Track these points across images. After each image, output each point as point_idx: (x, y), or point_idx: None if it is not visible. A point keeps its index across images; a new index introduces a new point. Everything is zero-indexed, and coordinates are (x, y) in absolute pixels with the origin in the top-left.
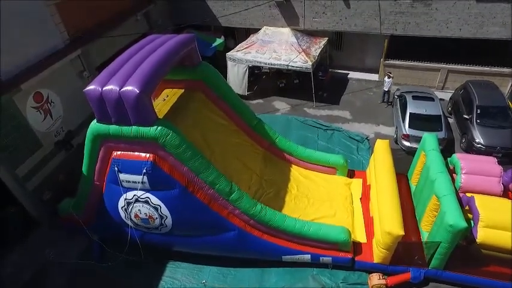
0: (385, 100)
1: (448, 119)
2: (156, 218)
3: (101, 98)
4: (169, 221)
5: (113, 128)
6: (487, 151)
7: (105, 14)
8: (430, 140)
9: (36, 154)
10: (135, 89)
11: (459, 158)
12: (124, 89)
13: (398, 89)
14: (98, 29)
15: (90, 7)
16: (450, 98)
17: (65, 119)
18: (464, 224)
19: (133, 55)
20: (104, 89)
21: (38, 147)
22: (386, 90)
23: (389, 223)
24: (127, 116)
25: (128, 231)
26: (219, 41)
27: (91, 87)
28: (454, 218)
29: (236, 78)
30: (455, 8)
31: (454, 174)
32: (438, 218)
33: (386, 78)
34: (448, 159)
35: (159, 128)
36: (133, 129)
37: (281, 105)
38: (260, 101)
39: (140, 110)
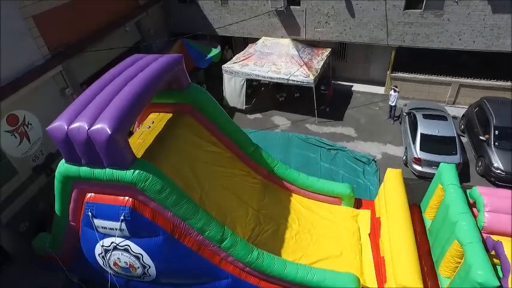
0: (391, 116)
1: (461, 137)
2: (138, 267)
3: (67, 138)
4: (152, 270)
5: (84, 170)
6: (507, 178)
7: (90, 26)
8: (448, 172)
9: (10, 182)
10: (106, 129)
11: (481, 193)
12: (93, 128)
13: (406, 105)
14: (82, 41)
15: (73, 18)
16: (463, 116)
17: (45, 141)
18: (496, 283)
19: (110, 81)
20: (70, 127)
21: (12, 174)
22: (392, 105)
23: (405, 274)
24: (99, 157)
25: (109, 278)
26: (215, 51)
27: (55, 124)
28: (484, 276)
29: (233, 91)
30: (469, 19)
31: (474, 209)
32: (463, 270)
33: (392, 92)
34: (468, 192)
35: (137, 171)
36: (107, 172)
37: (281, 120)
38: (258, 115)
39: (113, 152)
